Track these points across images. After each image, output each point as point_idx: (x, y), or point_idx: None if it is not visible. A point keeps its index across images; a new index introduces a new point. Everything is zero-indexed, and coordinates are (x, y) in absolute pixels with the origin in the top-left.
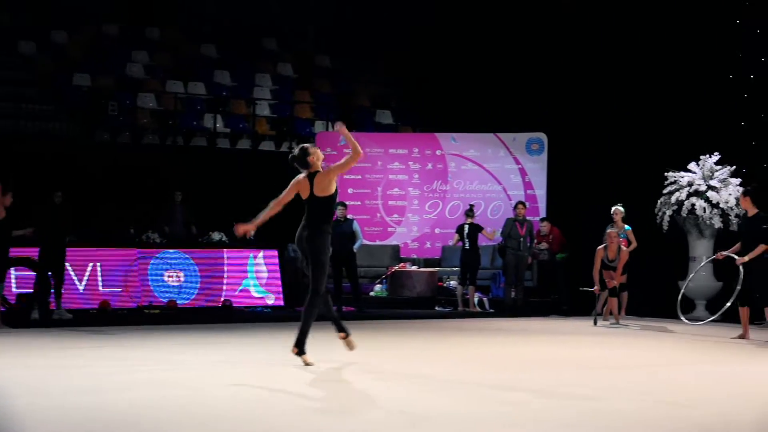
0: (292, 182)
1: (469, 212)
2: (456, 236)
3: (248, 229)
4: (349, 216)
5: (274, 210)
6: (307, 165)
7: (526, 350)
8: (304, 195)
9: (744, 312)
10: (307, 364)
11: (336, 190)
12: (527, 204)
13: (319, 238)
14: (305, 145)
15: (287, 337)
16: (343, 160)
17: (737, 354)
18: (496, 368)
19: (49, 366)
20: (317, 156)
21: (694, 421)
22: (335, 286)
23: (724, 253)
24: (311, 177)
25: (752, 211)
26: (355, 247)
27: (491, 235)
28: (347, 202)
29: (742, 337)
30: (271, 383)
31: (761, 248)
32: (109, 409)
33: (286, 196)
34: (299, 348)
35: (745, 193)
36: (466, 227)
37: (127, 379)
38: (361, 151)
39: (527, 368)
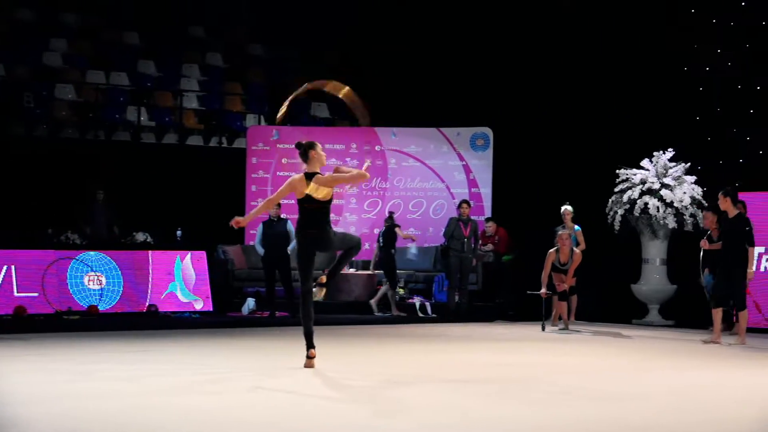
0: (287, 182)
1: (389, 219)
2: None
3: (240, 222)
4: (283, 215)
5: (263, 209)
6: (305, 158)
7: (467, 357)
8: (299, 195)
9: (717, 314)
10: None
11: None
12: (472, 203)
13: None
14: (315, 142)
15: (214, 346)
16: (349, 175)
17: (694, 359)
18: (434, 377)
19: None
20: (319, 157)
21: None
22: (268, 289)
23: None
24: (309, 177)
25: (733, 212)
26: (290, 248)
27: (406, 236)
28: (281, 201)
29: (715, 341)
30: (180, 394)
31: (752, 252)
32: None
33: (279, 195)
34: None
35: (725, 194)
36: (383, 229)
37: (41, 390)
38: (368, 176)
39: (468, 377)
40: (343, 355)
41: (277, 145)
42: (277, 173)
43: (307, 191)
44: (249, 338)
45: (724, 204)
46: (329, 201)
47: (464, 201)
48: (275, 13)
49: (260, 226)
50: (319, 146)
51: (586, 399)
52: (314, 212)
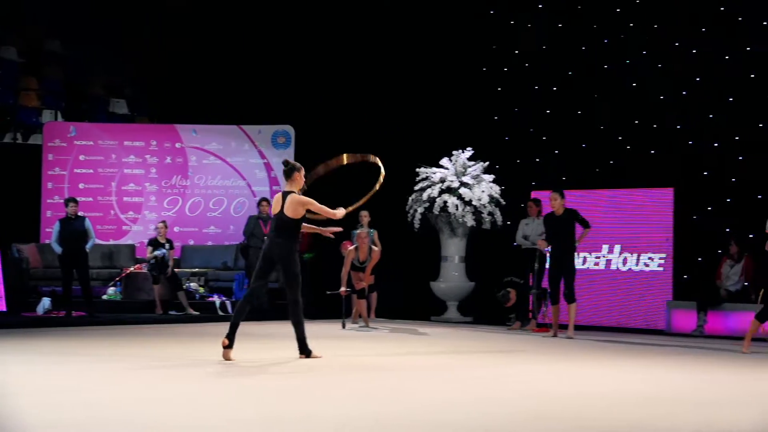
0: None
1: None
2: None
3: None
4: (80, 213)
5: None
6: (288, 176)
7: (266, 356)
8: (275, 210)
9: (556, 310)
10: (317, 357)
11: (304, 216)
12: (272, 201)
13: (291, 254)
14: (299, 165)
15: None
16: (320, 208)
17: (500, 357)
18: (226, 375)
19: None
20: (300, 180)
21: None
22: (64, 288)
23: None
24: (285, 195)
25: (561, 210)
26: (88, 246)
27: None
28: (78, 198)
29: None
30: None
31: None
32: None
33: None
34: (305, 352)
35: (562, 195)
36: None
37: None
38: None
39: (264, 376)
40: (136, 357)
41: (75, 142)
42: (75, 170)
43: (281, 207)
44: (43, 339)
45: (556, 203)
46: (299, 219)
47: (263, 199)
48: (74, 10)
49: (57, 224)
50: (303, 171)
51: (378, 397)
52: (283, 226)
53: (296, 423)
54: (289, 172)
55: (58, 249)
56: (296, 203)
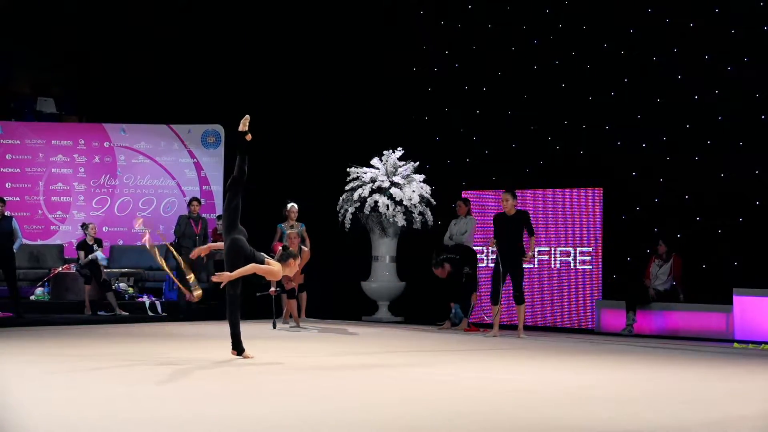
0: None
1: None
2: None
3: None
4: (7, 213)
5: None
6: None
7: (196, 356)
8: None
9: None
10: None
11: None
12: (202, 200)
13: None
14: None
15: None
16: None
17: (429, 356)
18: (153, 378)
19: None
20: (294, 266)
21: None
22: None
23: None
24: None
25: (513, 211)
26: (15, 246)
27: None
28: (6, 198)
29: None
30: None
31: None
32: None
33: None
34: (237, 350)
35: (514, 195)
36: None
37: None
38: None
39: (190, 377)
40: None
41: (1, 141)
42: (1, 169)
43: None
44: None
45: (509, 204)
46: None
47: (194, 198)
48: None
49: None
50: (298, 260)
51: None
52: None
53: (216, 423)
54: (286, 257)
55: None
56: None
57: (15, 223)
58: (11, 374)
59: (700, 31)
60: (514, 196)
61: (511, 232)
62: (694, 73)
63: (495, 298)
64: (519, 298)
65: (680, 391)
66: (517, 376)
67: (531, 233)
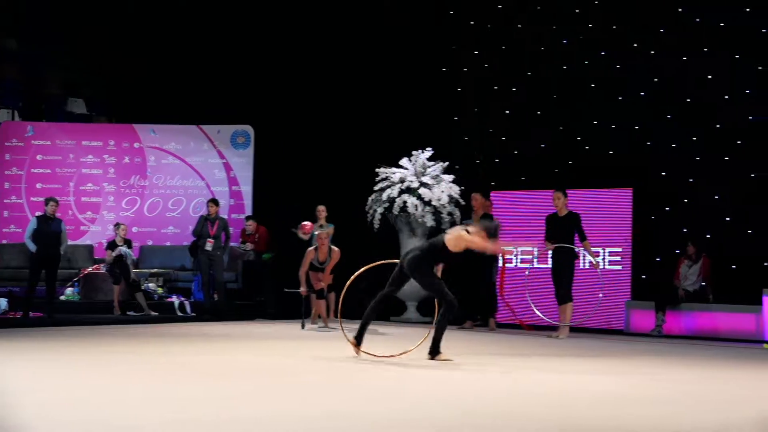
0: None
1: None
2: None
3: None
4: (58, 215)
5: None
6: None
7: (223, 358)
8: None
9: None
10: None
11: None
12: (231, 200)
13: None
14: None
15: None
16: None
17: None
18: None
19: None
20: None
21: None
22: (29, 288)
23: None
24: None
25: (564, 211)
26: (62, 249)
27: None
28: (35, 199)
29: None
30: None
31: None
32: None
33: None
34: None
35: (565, 194)
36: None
37: None
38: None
39: (224, 378)
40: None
41: (32, 142)
42: (32, 170)
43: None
44: None
45: (561, 202)
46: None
47: (211, 200)
48: (31, 7)
49: (33, 220)
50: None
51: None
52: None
53: (257, 423)
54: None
55: (32, 247)
56: (456, 238)
57: (64, 227)
58: (44, 375)
59: (730, 31)
60: (565, 195)
61: (563, 233)
62: (725, 73)
63: (563, 298)
64: (565, 297)
65: (714, 391)
66: (551, 375)
67: (583, 238)
